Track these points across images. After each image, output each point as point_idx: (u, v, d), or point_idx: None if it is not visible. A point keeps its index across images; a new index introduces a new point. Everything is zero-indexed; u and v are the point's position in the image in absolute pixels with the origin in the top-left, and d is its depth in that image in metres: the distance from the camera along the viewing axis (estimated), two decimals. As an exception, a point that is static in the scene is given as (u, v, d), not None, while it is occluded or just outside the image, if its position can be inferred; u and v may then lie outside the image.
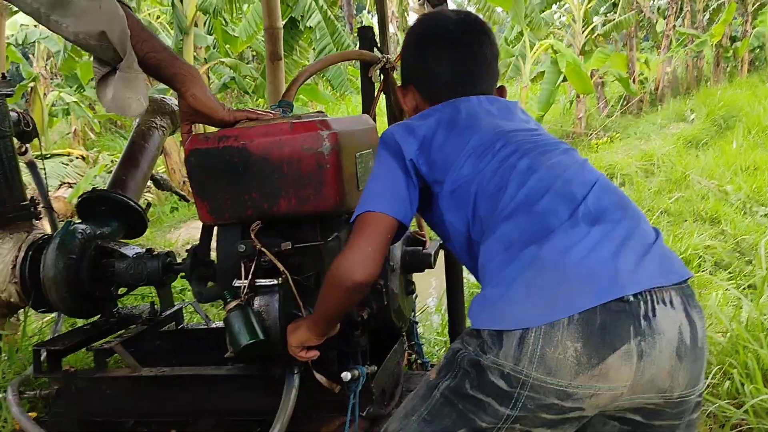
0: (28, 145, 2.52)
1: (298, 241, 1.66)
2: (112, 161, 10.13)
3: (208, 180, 1.65)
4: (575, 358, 1.06)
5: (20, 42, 11.05)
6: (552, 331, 1.07)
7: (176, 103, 2.74)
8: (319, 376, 1.66)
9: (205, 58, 9.08)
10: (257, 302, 1.59)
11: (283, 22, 9.25)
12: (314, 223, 1.71)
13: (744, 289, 3.62)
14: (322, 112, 1.83)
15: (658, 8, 21.72)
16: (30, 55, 14.71)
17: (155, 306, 2.28)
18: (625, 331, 1.07)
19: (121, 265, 2.16)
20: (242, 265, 1.59)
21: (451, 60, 1.46)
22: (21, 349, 2.54)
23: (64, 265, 2.10)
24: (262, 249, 1.57)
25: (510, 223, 1.20)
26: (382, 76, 2.28)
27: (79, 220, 2.33)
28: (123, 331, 2.24)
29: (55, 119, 13.28)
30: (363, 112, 2.36)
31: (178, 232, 7.35)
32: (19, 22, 10.18)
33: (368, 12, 13.31)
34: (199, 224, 1.86)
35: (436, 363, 2.66)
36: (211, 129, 1.74)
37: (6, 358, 2.43)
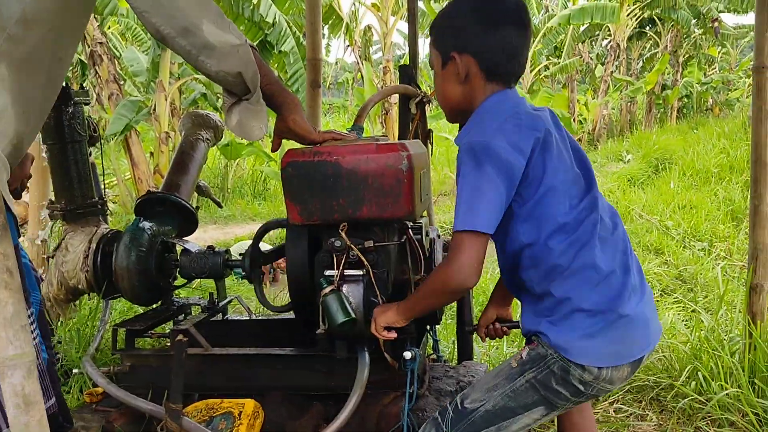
0: (91, 149, 2.77)
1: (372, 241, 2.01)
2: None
3: (302, 187, 1.97)
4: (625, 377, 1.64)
5: None
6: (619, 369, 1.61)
7: (219, 119, 3.06)
8: (386, 355, 2.00)
9: (178, 75, 9.23)
10: (345, 289, 1.92)
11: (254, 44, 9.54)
12: (383, 227, 2.07)
13: (692, 311, 4.14)
14: (386, 136, 2.19)
15: (597, 55, 23.02)
16: None
17: (213, 296, 2.57)
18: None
19: (186, 259, 2.46)
20: (334, 258, 1.92)
21: (519, 38, 1.63)
22: (73, 331, 2.75)
23: (135, 257, 2.38)
24: (351, 246, 1.92)
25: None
26: (417, 109, 2.66)
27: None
28: (183, 316, 2.53)
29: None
30: (399, 138, 2.73)
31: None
32: None
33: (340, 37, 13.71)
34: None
35: (453, 359, 3.01)
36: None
37: (68, 339, 2.65)
